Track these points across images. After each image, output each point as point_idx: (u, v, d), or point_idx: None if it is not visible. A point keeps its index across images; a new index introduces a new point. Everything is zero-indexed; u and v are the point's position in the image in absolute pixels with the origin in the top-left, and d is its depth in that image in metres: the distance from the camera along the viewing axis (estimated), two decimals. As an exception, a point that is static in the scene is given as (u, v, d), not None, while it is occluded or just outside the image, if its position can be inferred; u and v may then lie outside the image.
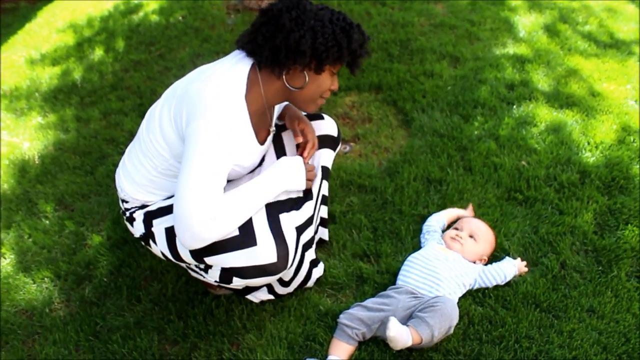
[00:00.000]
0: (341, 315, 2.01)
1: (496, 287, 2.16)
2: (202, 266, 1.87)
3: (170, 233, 1.86)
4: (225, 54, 3.69)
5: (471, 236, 2.24)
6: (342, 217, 2.50)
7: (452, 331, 1.94)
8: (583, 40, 3.76)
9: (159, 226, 1.90)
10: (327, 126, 2.21)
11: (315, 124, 2.17)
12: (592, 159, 2.73)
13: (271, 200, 1.87)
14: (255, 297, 2.16)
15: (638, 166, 2.67)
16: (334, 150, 2.21)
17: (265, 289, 2.13)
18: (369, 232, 2.42)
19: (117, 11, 4.61)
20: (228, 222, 1.71)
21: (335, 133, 2.21)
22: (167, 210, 1.90)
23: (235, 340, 2.07)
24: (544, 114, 3.02)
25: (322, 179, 2.13)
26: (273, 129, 2.03)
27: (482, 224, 2.31)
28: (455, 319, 1.93)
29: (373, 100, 3.24)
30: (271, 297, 2.15)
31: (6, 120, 3.43)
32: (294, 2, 1.75)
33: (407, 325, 1.88)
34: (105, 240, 2.51)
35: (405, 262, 2.18)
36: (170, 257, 1.90)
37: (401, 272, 2.15)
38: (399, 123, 3.07)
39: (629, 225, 2.40)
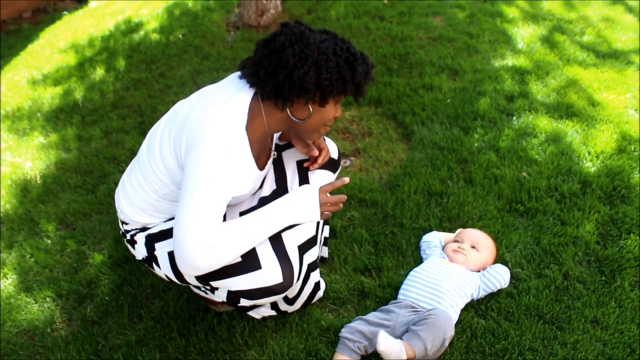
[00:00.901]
0: (342, 329, 2.00)
1: (498, 299, 2.15)
2: (208, 287, 1.87)
3: (173, 257, 1.86)
4: (225, 71, 3.74)
5: (473, 247, 2.23)
6: (343, 231, 2.49)
7: (447, 343, 1.93)
8: (581, 50, 3.77)
9: (162, 250, 1.90)
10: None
11: None
12: (593, 168, 2.72)
13: (280, 228, 1.85)
14: (258, 314, 2.15)
15: (639, 175, 2.66)
16: (334, 172, 2.19)
17: (268, 305, 2.12)
18: (370, 246, 2.41)
19: (117, 30, 4.65)
20: (225, 251, 1.71)
21: (335, 155, 2.19)
22: (169, 233, 1.90)
23: (237, 357, 2.06)
24: (544, 125, 3.02)
25: None
26: (274, 153, 2.02)
27: (480, 233, 2.30)
28: (449, 331, 1.92)
29: (373, 114, 3.25)
30: (273, 312, 2.14)
31: (8, 141, 3.45)
32: (297, 34, 1.70)
33: (402, 339, 1.87)
34: (107, 259, 2.51)
35: (408, 277, 2.17)
36: (174, 279, 1.90)
37: (403, 286, 2.14)
38: (399, 136, 3.07)
39: (632, 234, 2.38)
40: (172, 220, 1.92)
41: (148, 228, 1.96)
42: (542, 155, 2.82)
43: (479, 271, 2.20)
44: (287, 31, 1.72)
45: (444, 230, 2.45)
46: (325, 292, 2.23)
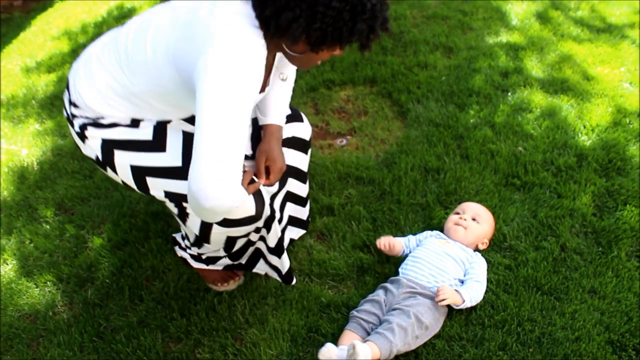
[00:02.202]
0: (354, 310, 2.02)
1: (497, 272, 2.17)
2: (176, 211, 1.82)
3: (138, 173, 1.77)
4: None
5: (474, 219, 2.24)
6: (341, 209, 2.50)
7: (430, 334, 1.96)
8: (575, 25, 3.77)
9: (123, 160, 1.77)
10: (301, 130, 2.10)
11: (291, 125, 2.06)
12: (588, 142, 2.73)
13: None
14: (260, 270, 2.15)
15: (635, 147, 2.67)
16: (305, 153, 2.15)
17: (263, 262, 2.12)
18: (368, 223, 2.42)
19: (110, 16, 4.62)
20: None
21: (307, 137, 2.13)
22: (136, 145, 1.75)
23: (238, 335, 2.08)
24: (539, 100, 3.02)
25: (288, 177, 2.13)
26: (281, 74, 1.87)
27: (481, 207, 2.31)
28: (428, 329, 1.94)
29: (368, 93, 3.25)
30: (274, 274, 2.12)
31: (4, 129, 3.44)
32: None
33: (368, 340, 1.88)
34: (106, 242, 2.51)
35: (406, 258, 2.18)
36: (135, 188, 1.83)
37: (402, 265, 2.15)
38: (395, 115, 3.07)
39: (628, 205, 2.40)
40: (137, 131, 1.77)
41: (101, 123, 1.76)
42: (538, 130, 2.82)
43: (476, 246, 2.21)
44: None
45: (441, 205, 2.46)
46: (324, 268, 2.24)
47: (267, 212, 1.85)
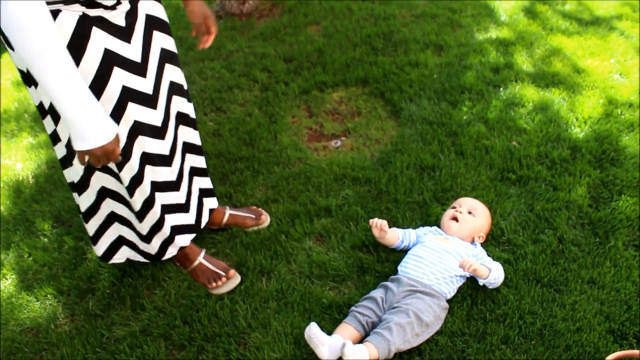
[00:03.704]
0: (352, 306, 2.03)
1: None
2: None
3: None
4: (211, 60, 3.73)
5: (470, 212, 2.25)
6: (338, 210, 2.51)
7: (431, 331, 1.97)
8: (564, 19, 3.79)
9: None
10: (187, 107, 2.16)
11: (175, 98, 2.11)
12: (581, 134, 2.75)
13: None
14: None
15: (627, 137, 2.69)
16: (195, 128, 2.22)
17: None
18: (366, 222, 2.43)
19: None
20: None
21: (192, 115, 2.21)
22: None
23: (241, 340, 2.08)
24: (531, 94, 3.04)
25: (186, 153, 2.20)
26: None
27: (477, 201, 2.32)
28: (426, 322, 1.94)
29: (360, 94, 3.26)
30: (140, 257, 2.24)
31: (-3, 144, 3.43)
32: None
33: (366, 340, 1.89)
34: (105, 253, 2.51)
35: (406, 256, 2.18)
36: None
37: (402, 263, 2.16)
38: (388, 114, 3.09)
39: (623, 195, 2.42)
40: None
41: None
42: (531, 124, 2.84)
43: (472, 238, 2.22)
44: None
45: (438, 202, 2.48)
46: (324, 270, 2.25)
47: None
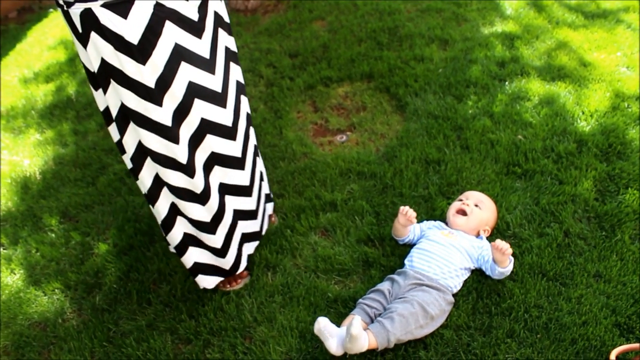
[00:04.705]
0: (359, 299, 2.03)
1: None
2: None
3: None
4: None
5: (476, 205, 2.25)
6: (343, 204, 2.51)
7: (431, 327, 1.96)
8: (570, 12, 3.77)
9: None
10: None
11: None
12: (587, 127, 2.74)
13: None
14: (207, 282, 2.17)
15: (634, 131, 2.68)
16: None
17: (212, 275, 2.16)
18: (372, 217, 2.43)
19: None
20: None
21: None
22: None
23: (247, 334, 2.09)
24: (537, 88, 3.03)
25: (256, 157, 2.20)
26: None
27: (483, 195, 2.32)
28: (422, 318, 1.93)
29: (366, 88, 3.25)
30: (219, 279, 2.18)
31: (5, 140, 3.45)
32: None
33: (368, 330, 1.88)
34: (112, 248, 2.53)
35: (411, 251, 2.18)
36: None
37: (407, 258, 2.16)
38: (393, 109, 3.08)
39: (629, 189, 2.41)
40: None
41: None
42: (537, 118, 2.83)
43: (478, 232, 2.22)
44: None
45: (443, 196, 2.47)
46: (330, 264, 2.25)
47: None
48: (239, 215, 2.13)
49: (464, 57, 3.34)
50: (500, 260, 2.03)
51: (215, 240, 2.04)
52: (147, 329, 2.17)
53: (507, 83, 3.09)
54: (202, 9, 1.78)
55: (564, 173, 2.51)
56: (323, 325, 1.86)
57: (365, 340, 1.81)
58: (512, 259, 2.09)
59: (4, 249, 2.64)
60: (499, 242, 1.99)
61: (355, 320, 1.79)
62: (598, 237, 2.24)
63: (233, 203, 2.08)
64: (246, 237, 2.22)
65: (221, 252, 2.09)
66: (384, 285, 2.04)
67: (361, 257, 2.28)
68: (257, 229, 2.26)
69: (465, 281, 2.11)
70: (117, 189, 2.83)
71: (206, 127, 1.86)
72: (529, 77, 3.13)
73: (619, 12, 3.74)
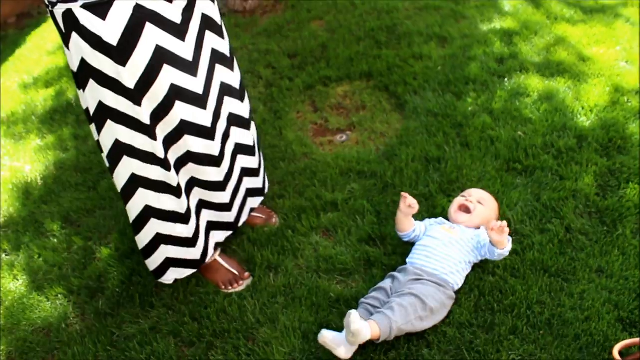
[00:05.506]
0: (362, 298, 2.04)
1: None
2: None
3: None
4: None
5: (479, 202, 2.24)
6: (344, 204, 2.51)
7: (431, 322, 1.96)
8: (568, 8, 3.77)
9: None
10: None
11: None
12: (587, 122, 2.74)
13: None
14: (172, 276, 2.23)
15: (635, 125, 2.67)
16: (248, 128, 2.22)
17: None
18: (373, 216, 2.44)
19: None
20: None
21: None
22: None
23: (250, 336, 2.09)
24: (536, 84, 3.03)
25: (237, 155, 2.19)
26: None
27: (485, 192, 2.31)
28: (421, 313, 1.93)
29: (365, 87, 3.25)
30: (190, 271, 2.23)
31: (6, 146, 3.46)
32: None
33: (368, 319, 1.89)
34: (114, 252, 2.53)
35: (413, 249, 2.18)
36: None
37: (409, 256, 2.16)
38: (393, 107, 3.08)
39: (630, 183, 2.41)
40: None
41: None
42: (537, 114, 2.83)
43: (478, 228, 2.22)
44: None
45: (444, 194, 2.47)
46: (331, 264, 2.26)
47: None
48: (209, 206, 2.18)
49: (462, 54, 3.34)
50: (499, 242, 2.01)
51: (189, 230, 2.09)
52: (151, 332, 2.17)
53: (506, 79, 3.09)
54: (188, 11, 1.79)
55: (564, 169, 2.50)
56: (329, 340, 1.87)
57: (367, 330, 1.82)
58: (510, 238, 2.07)
59: (6, 255, 2.65)
60: (494, 223, 1.98)
61: (354, 316, 1.79)
62: (600, 232, 2.24)
63: (204, 196, 2.13)
64: (214, 226, 2.26)
65: (192, 242, 2.13)
66: (386, 283, 2.04)
67: (363, 257, 2.28)
68: (231, 220, 2.28)
69: (467, 279, 2.11)
70: (118, 194, 2.83)
71: (185, 127, 1.90)
72: (528, 73, 3.12)
73: (618, 7, 3.74)
